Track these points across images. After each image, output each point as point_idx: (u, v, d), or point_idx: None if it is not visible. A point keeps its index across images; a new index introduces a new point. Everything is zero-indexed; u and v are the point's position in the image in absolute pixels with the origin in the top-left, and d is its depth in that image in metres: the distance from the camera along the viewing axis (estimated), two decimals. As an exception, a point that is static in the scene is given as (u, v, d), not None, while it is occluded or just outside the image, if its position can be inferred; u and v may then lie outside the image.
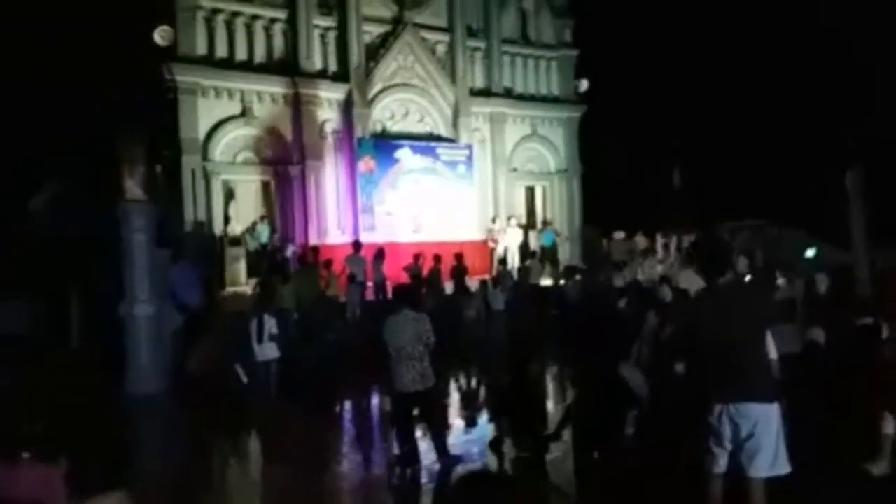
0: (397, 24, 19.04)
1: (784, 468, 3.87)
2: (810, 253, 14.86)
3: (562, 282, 14.43)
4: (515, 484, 5.89)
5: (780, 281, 11.05)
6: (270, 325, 8.68)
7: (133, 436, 8.04)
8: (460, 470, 5.92)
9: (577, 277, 13.78)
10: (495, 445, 6.49)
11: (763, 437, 3.84)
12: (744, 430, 3.86)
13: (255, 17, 17.36)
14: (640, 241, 18.55)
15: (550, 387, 9.31)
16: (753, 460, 3.84)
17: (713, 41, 23.05)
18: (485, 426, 7.48)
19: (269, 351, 8.53)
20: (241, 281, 15.85)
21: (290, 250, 16.13)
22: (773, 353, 4.63)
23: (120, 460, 6.02)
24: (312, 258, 13.63)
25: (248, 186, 17.77)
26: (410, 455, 6.07)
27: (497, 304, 11.48)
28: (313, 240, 17.24)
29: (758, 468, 3.84)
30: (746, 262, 11.73)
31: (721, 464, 3.98)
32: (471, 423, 8.01)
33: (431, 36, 19.72)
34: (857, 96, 20.75)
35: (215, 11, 16.83)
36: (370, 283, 13.81)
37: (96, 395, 8.84)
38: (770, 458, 3.84)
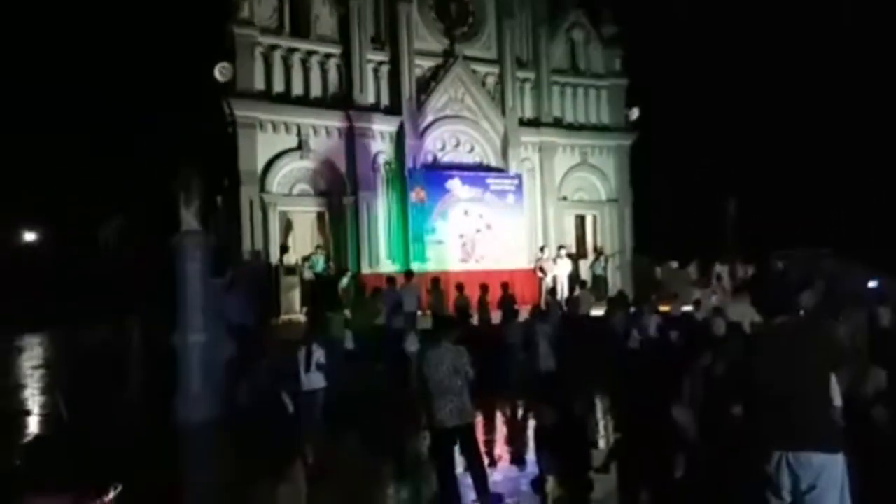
0: (448, 57, 19.35)
1: None
2: (873, 283, 14.29)
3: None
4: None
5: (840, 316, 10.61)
6: (318, 354, 8.75)
7: (178, 464, 8.22)
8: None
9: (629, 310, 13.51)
10: (538, 485, 6.38)
11: (827, 490, 3.51)
12: (805, 481, 3.54)
13: (310, 53, 17.88)
14: (693, 271, 18.14)
15: (599, 424, 9.13)
16: None
17: (765, 68, 22.64)
18: (529, 464, 7.38)
19: (315, 380, 8.60)
20: (295, 309, 16.14)
21: (346, 280, 16.34)
22: (837, 400, 4.16)
23: (157, 491, 6.13)
24: (369, 288, 13.78)
25: (304, 217, 18.20)
26: (450, 493, 6.01)
27: (542, 336, 11.33)
28: (365, 269, 17.50)
29: None
30: (813, 297, 11.24)
31: None
32: (514, 460, 7.91)
33: (481, 68, 19.97)
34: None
35: (273, 48, 17.42)
36: (422, 313, 13.91)
37: (146, 423, 9.11)
38: None
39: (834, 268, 14.37)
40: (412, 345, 10.83)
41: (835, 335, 5.20)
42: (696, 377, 7.02)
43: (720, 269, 17.28)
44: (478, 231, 19.00)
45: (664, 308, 14.06)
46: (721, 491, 5.20)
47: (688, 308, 13.57)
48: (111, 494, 3.65)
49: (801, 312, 4.02)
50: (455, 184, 18.85)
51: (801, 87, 22.86)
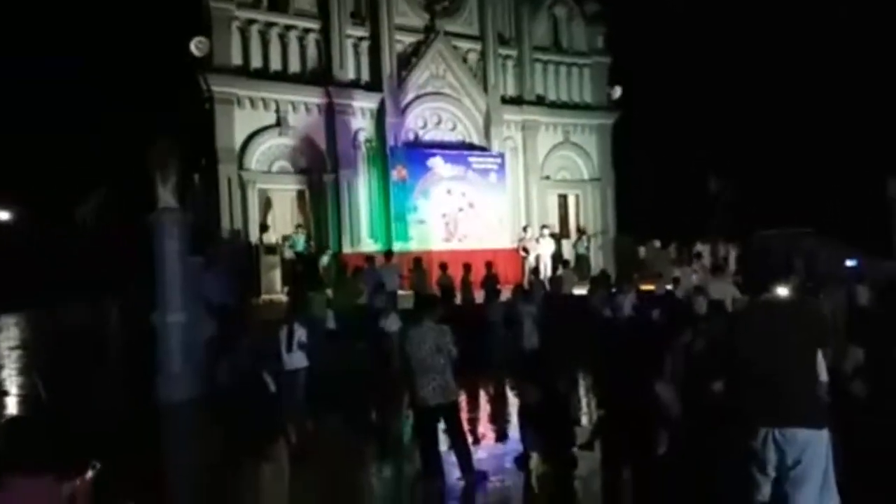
0: (429, 33, 19.11)
1: (832, 501, 3.60)
2: (851, 262, 14.46)
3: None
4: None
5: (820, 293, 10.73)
6: (300, 333, 8.67)
7: (159, 444, 8.14)
8: (481, 492, 5.87)
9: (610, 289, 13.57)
10: (522, 461, 6.39)
11: (811, 465, 3.57)
12: (790, 456, 3.59)
13: (288, 28, 17.57)
14: (675, 250, 18.24)
15: (582, 401, 9.17)
16: (799, 489, 3.58)
17: (748, 47, 22.66)
18: (513, 441, 7.38)
19: (297, 360, 8.53)
20: (276, 289, 15.99)
21: (326, 259, 16.23)
22: (823, 376, 4.24)
23: (137, 471, 6.05)
24: (350, 267, 13.69)
25: (284, 195, 17.98)
26: (434, 470, 6.00)
27: (526, 315, 11.34)
28: (347, 248, 17.39)
29: (804, 498, 3.57)
30: (797, 276, 11.33)
31: (764, 492, 3.71)
32: (498, 437, 7.92)
33: (463, 44, 19.77)
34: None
35: (250, 22, 17.09)
36: (404, 293, 13.86)
37: (126, 403, 9.00)
38: (817, 489, 3.57)
39: (813, 247, 14.53)
40: (393, 324, 10.78)
41: (822, 313, 5.27)
42: (678, 354, 7.05)
43: (701, 248, 17.38)
44: (460, 210, 18.92)
45: (648, 287, 14.17)
46: (704, 466, 5.23)
47: (670, 287, 13.66)
48: (90, 473, 3.58)
49: (787, 290, 3.99)
50: (437, 162, 18.71)
51: (783, 65, 22.95)
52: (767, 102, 22.76)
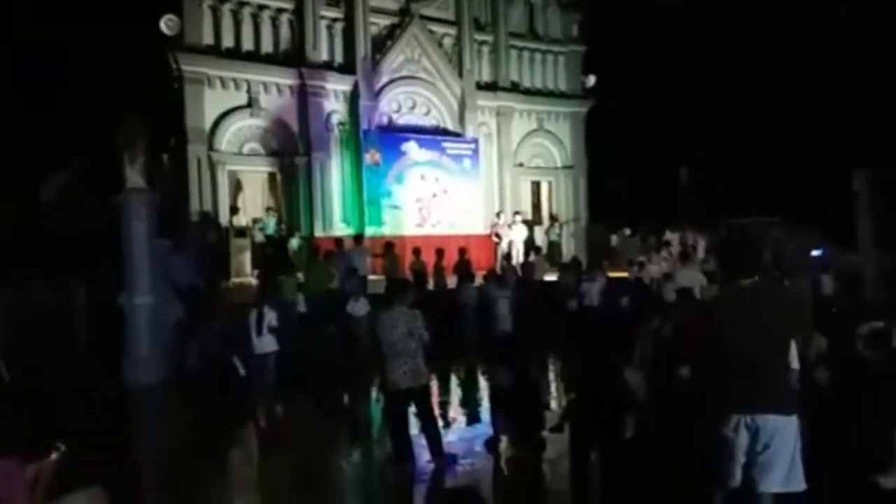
0: (404, 16, 18.95)
1: (799, 485, 3.69)
2: (817, 253, 14.75)
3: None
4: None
5: (786, 282, 10.93)
6: (270, 317, 8.63)
7: (126, 427, 8.05)
8: (450, 476, 5.91)
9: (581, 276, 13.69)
10: (491, 445, 6.44)
11: (780, 450, 3.66)
12: (760, 442, 3.68)
13: (261, 7, 17.27)
14: (646, 238, 18.44)
15: (552, 386, 9.25)
16: (767, 474, 3.67)
17: (721, 38, 22.86)
18: (483, 425, 7.44)
19: (267, 344, 8.49)
20: (246, 272, 15.83)
21: (295, 242, 16.11)
22: (795, 363, 4.30)
23: (103, 454, 5.97)
24: (322, 251, 13.59)
25: (255, 177, 17.77)
26: (404, 454, 6.02)
27: (499, 300, 11.40)
28: (318, 232, 17.25)
29: (770, 483, 3.66)
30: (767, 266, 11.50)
31: (735, 477, 3.78)
32: (469, 421, 7.97)
33: (438, 29, 19.63)
34: (865, 95, 20.54)
35: (222, 1, 16.77)
36: (377, 277, 13.83)
37: (92, 386, 8.86)
38: (784, 473, 3.66)
39: (781, 236, 14.78)
40: (361, 309, 10.77)
41: (797, 300, 5.33)
42: (646, 340, 7.16)
43: (671, 236, 17.60)
44: (434, 195, 18.88)
45: (620, 274, 14.34)
46: (670, 450, 5.32)
47: (639, 274, 13.84)
48: (54, 455, 3.53)
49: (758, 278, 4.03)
50: (411, 146, 18.63)
51: (753, 57, 23.20)
52: (738, 94, 23.02)
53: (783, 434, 3.67)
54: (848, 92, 21.04)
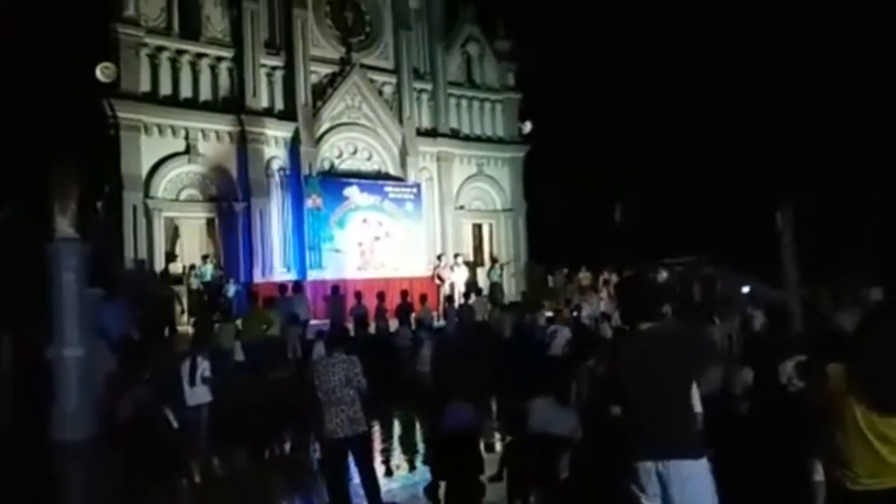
0: (345, 64, 19.22)
1: None
2: (746, 289, 15.35)
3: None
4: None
5: (716, 319, 11.33)
6: (203, 367, 8.44)
7: (53, 485, 7.71)
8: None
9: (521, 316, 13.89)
10: (430, 492, 6.41)
11: (696, 498, 3.46)
12: (674, 489, 3.48)
13: (200, 56, 17.29)
14: (584, 277, 18.86)
15: (492, 427, 9.28)
16: None
17: (648, 83, 23.94)
18: (425, 470, 7.39)
19: (200, 394, 8.28)
20: (182, 321, 15.47)
21: (232, 289, 15.86)
22: (697, 407, 3.98)
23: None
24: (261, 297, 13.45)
25: (192, 224, 17.52)
26: None
27: (425, 342, 11.51)
28: (258, 278, 17.05)
29: None
30: (670, 308, 11.78)
31: None
32: (409, 467, 7.92)
33: (379, 77, 19.98)
34: (787, 136, 21.73)
35: (160, 49, 16.72)
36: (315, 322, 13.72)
37: (18, 442, 8.47)
38: None
39: (710, 274, 15.35)
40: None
41: (703, 338, 5.35)
42: (583, 379, 7.29)
43: (607, 275, 18.04)
44: (376, 239, 18.95)
45: (555, 313, 14.55)
46: (603, 491, 5.39)
47: (576, 314, 14.12)
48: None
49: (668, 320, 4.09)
50: (353, 191, 18.73)
51: (679, 103, 24.29)
52: (667, 135, 24.06)
53: (696, 480, 3.51)
54: (771, 134, 22.21)
